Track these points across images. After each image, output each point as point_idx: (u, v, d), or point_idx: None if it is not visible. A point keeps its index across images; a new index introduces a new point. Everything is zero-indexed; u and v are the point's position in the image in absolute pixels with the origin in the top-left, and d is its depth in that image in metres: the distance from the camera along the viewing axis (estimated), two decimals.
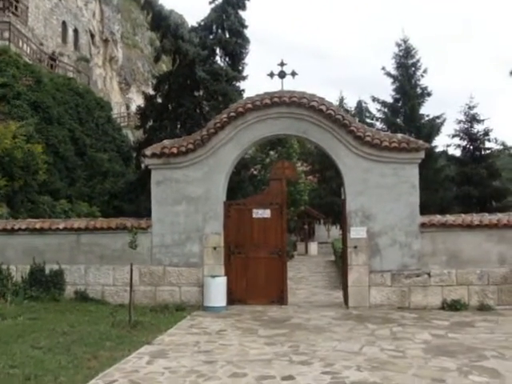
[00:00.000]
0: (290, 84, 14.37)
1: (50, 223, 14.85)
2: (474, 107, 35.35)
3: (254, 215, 14.15)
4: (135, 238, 11.69)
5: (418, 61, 35.65)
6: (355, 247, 13.48)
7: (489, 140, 35.63)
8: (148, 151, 14.28)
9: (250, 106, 13.78)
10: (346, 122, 13.51)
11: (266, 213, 14.09)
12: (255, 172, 34.44)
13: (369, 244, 13.47)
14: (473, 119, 35.40)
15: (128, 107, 51.65)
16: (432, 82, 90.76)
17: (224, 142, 13.97)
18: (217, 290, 13.33)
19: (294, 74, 14.37)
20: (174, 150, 13.99)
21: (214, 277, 13.48)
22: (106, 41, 48.13)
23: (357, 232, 13.49)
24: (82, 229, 14.48)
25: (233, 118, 13.85)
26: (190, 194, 14.02)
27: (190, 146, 13.96)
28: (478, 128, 35.37)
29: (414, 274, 13.38)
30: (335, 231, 52.61)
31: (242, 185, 26.31)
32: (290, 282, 20.17)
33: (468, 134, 35.40)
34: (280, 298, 14.00)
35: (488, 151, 35.66)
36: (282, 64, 14.40)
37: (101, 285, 14.38)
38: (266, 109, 13.82)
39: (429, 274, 13.36)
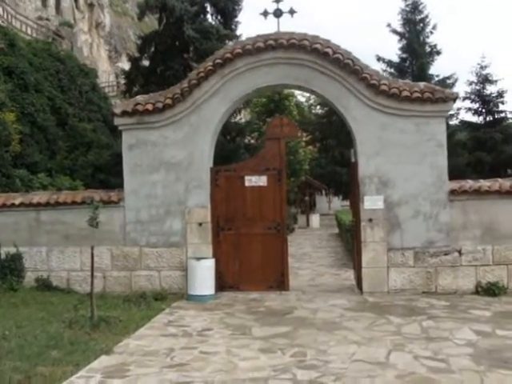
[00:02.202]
0: (287, 27, 11.85)
1: (4, 198, 12.43)
2: (486, 67, 32.93)
3: (247, 183, 11.73)
4: (96, 214, 9.26)
5: (426, 16, 33.19)
6: (370, 220, 11.09)
7: (502, 102, 33.15)
8: (118, 109, 11.83)
9: (239, 50, 11.29)
10: (357, 68, 11.04)
11: (261, 180, 11.67)
12: (252, 141, 32.11)
13: (387, 216, 11.08)
14: (485, 80, 32.95)
15: (117, 76, 49.01)
16: (442, 39, 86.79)
17: (209, 96, 11.51)
18: (203, 275, 10.99)
19: (292, 12, 11.85)
20: (149, 107, 11.54)
21: (199, 259, 11.11)
22: (91, 5, 45.25)
23: (372, 202, 11.09)
24: (42, 204, 12.08)
25: (219, 66, 11.37)
26: (170, 159, 11.60)
27: (168, 102, 11.50)
28: (491, 89, 32.88)
29: (442, 252, 11.00)
30: (337, 202, 50.62)
31: (237, 153, 24.02)
32: (292, 259, 17.84)
33: (480, 96, 32.92)
34: (280, 283, 11.65)
35: (502, 114, 33.17)
36: (277, 0, 11.86)
37: (66, 270, 12.03)
38: (259, 54, 11.32)
39: (459, 252, 10.99)
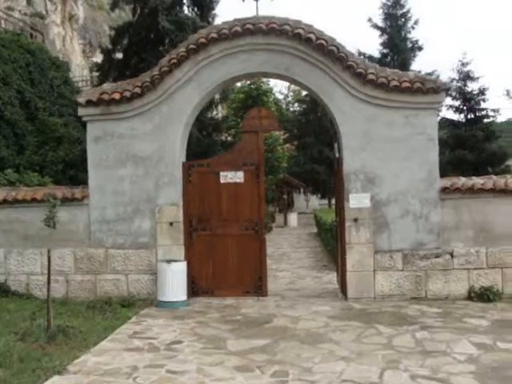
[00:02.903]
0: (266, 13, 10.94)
1: None
2: (467, 64, 32.27)
3: (222, 180, 10.82)
4: (53, 213, 8.27)
5: (408, 11, 32.54)
6: (355, 220, 10.25)
7: (484, 100, 32.60)
8: (81, 98, 10.83)
9: (214, 35, 10.36)
10: (342, 55, 10.18)
11: (237, 176, 10.77)
12: (229, 138, 31.23)
13: (373, 216, 10.25)
14: (466, 77, 32.31)
15: (91, 71, 47.66)
16: (424, 35, 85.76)
17: (181, 84, 10.57)
18: (174, 280, 10.05)
19: None
20: (116, 96, 10.57)
21: (169, 262, 10.17)
22: None
23: (358, 200, 10.25)
24: None
25: (192, 52, 10.43)
26: (138, 152, 10.65)
27: (137, 90, 10.55)
28: (473, 86, 32.28)
29: (433, 255, 10.21)
30: (315, 201, 49.88)
31: (214, 149, 23.10)
32: (270, 260, 16.98)
33: (461, 94, 32.31)
34: (257, 288, 10.76)
35: (483, 112, 32.61)
36: None
37: (25, 274, 11.04)
38: (236, 39, 10.40)
39: (451, 254, 10.20)
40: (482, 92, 32.10)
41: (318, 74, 10.36)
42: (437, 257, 10.21)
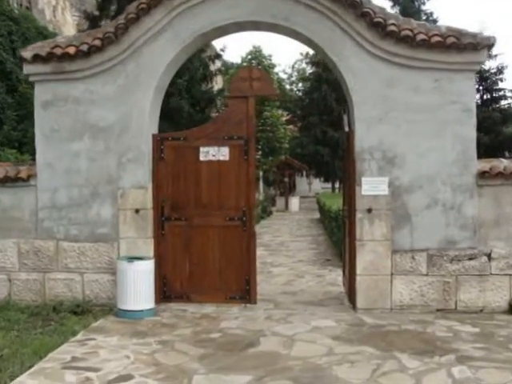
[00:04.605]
0: None
1: None
2: None
3: (202, 157, 8.63)
4: None
5: None
6: (369, 210, 8.09)
7: (502, 80, 30.29)
8: (27, 52, 8.63)
9: None
10: (355, 0, 7.96)
11: (221, 153, 8.57)
12: None
13: (392, 205, 8.08)
14: None
15: None
16: (438, 7, 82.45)
17: (151, 35, 8.36)
18: (137, 283, 7.89)
19: None
20: (71, 50, 8.37)
21: (131, 259, 8.04)
22: None
23: (373, 185, 8.07)
24: None
25: None
26: (97, 122, 8.48)
27: (96, 43, 8.35)
28: (490, 65, 29.92)
29: (466, 256, 8.06)
30: (317, 184, 47.76)
31: None
32: (265, 251, 15.01)
33: (478, 72, 29.92)
34: (244, 293, 8.61)
35: (501, 92, 30.31)
36: None
37: None
38: None
39: (489, 256, 8.05)
40: (500, 71, 29.84)
41: (325, 24, 8.14)
42: (471, 259, 8.06)
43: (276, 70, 45.79)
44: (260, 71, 9.18)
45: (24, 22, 27.59)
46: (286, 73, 61.52)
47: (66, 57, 8.41)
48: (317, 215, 28.55)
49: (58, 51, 8.40)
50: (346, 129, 8.71)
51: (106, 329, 7.38)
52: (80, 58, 8.42)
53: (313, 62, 43.50)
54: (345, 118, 8.92)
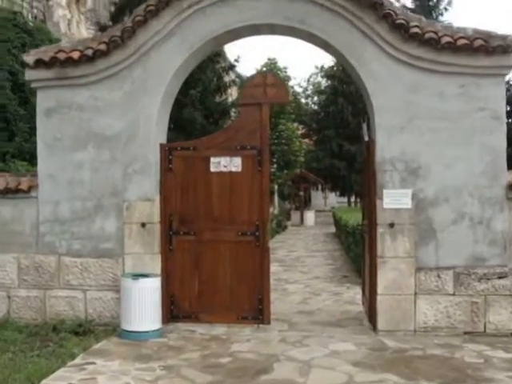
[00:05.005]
0: None
1: None
2: None
3: (213, 168, 8.14)
4: None
5: None
6: (391, 225, 7.54)
7: None
8: (29, 57, 8.22)
9: None
10: (376, 0, 7.47)
11: (233, 163, 8.07)
12: None
13: (416, 220, 7.53)
14: None
15: None
16: (458, 17, 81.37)
17: (159, 39, 7.91)
18: (143, 302, 7.39)
19: None
20: (75, 55, 7.95)
21: (136, 277, 7.54)
22: None
23: (395, 198, 7.53)
24: None
25: None
26: (103, 130, 8.03)
27: (102, 47, 7.92)
28: (510, 76, 29.22)
29: (496, 274, 7.48)
30: (333, 198, 47.21)
31: None
32: (281, 267, 14.45)
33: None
34: (257, 313, 8.06)
35: None
36: None
37: None
38: None
39: None
40: None
41: (343, 26, 7.65)
42: (501, 277, 7.47)
43: (291, 83, 45.40)
44: (274, 77, 8.64)
45: (38, 35, 27.48)
46: (301, 86, 61.01)
47: (69, 62, 7.99)
48: (332, 229, 27.99)
49: (62, 56, 7.98)
50: (366, 138, 8.20)
51: (108, 352, 6.87)
52: (84, 63, 8.00)
53: (328, 75, 43.14)
54: (364, 126, 8.42)
